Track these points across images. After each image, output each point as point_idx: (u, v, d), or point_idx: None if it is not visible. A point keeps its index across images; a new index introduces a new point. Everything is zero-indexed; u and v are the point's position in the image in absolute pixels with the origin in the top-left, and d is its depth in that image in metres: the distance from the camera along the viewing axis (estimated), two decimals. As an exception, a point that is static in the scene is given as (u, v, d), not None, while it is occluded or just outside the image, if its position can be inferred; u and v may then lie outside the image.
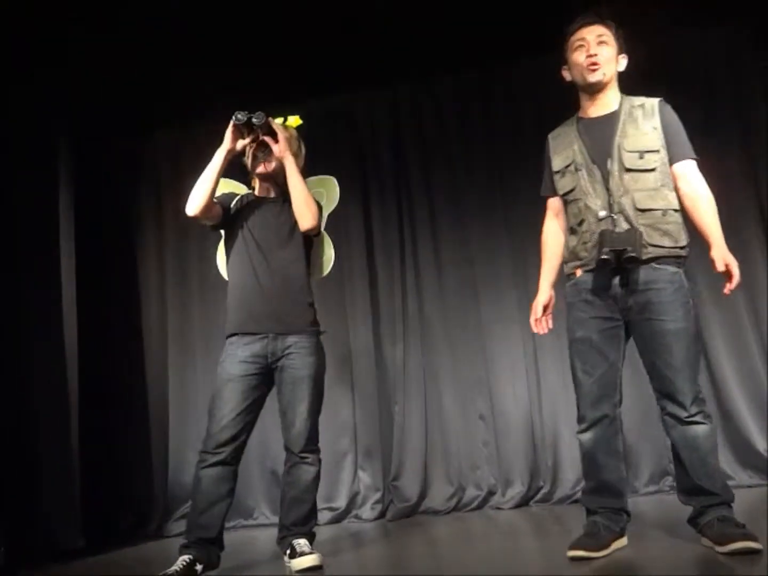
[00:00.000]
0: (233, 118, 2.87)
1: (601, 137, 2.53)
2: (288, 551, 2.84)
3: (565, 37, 2.64)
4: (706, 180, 4.06)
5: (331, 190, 3.39)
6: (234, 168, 3.15)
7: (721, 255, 2.43)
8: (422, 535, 3.62)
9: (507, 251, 4.37)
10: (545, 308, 2.73)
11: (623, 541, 2.51)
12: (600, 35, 2.57)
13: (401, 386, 4.37)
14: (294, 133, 3.11)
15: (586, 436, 2.53)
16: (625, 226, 2.44)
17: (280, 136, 2.94)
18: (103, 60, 4.11)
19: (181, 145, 4.85)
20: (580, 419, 2.56)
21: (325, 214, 3.28)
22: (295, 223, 2.98)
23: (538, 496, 4.11)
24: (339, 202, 4.26)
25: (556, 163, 2.65)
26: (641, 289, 2.45)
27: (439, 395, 4.35)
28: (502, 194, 4.39)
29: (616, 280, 2.47)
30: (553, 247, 2.74)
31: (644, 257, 2.43)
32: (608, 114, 2.58)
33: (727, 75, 4.24)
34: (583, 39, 2.58)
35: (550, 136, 2.74)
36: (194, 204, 2.88)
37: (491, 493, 4.17)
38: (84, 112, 4.48)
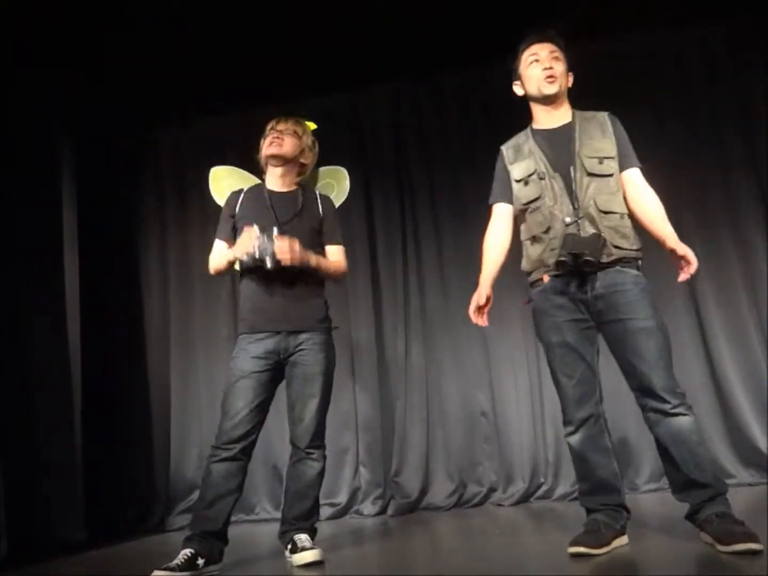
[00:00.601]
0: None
1: (560, 147, 2.63)
2: (289, 546, 2.85)
3: (517, 53, 2.76)
4: (709, 176, 4.11)
5: (341, 181, 3.39)
6: (245, 163, 3.16)
7: (680, 243, 2.51)
8: (423, 531, 3.63)
9: (509, 247, 4.35)
10: (487, 301, 2.75)
11: (624, 539, 2.52)
12: (552, 51, 2.69)
13: (403, 382, 4.38)
14: (309, 129, 3.13)
15: (575, 438, 2.58)
16: (590, 230, 2.52)
17: (294, 254, 2.84)
18: (103, 59, 4.12)
19: (183, 143, 4.85)
20: (567, 422, 2.61)
21: (337, 206, 3.26)
22: (309, 221, 3.00)
23: (539, 492, 4.12)
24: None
25: (517, 172, 2.70)
26: (609, 292, 2.51)
27: (441, 391, 4.36)
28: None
29: (583, 284, 2.54)
30: (497, 248, 2.82)
31: (608, 260, 2.51)
32: (564, 125, 2.68)
33: (729, 72, 4.23)
34: (536, 54, 2.70)
35: (503, 147, 2.81)
36: (214, 273, 3.06)
37: (492, 490, 4.18)
38: (85, 112, 4.48)
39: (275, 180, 3.07)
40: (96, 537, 4.03)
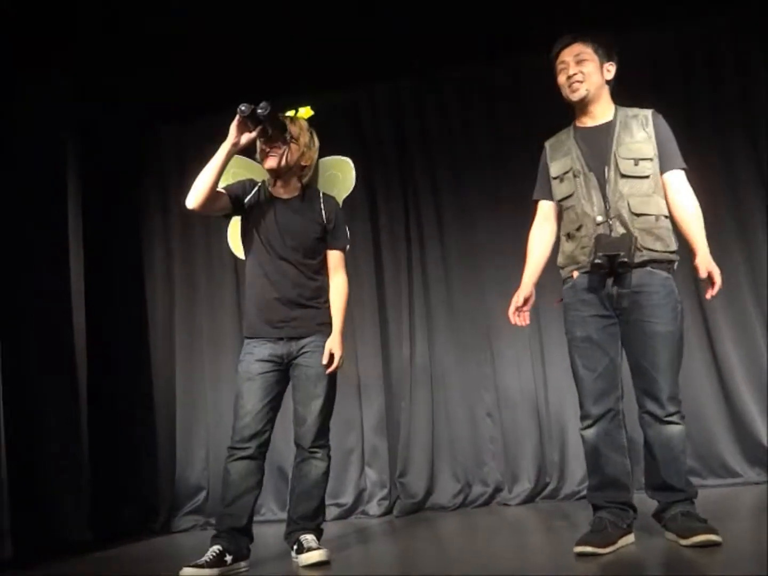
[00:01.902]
0: (238, 110, 2.77)
1: (597, 146, 2.63)
2: (295, 546, 2.86)
3: (551, 62, 2.76)
4: (712, 175, 4.10)
5: (347, 172, 3.31)
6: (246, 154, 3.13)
7: (706, 263, 2.55)
8: (429, 531, 3.62)
9: (513, 246, 4.33)
10: (525, 301, 2.80)
11: (630, 538, 2.53)
12: (578, 54, 2.67)
13: (408, 382, 4.38)
14: (305, 125, 3.03)
15: (590, 432, 2.59)
16: (620, 230, 2.54)
17: (336, 361, 2.93)
18: (107, 57, 4.13)
19: (186, 140, 4.85)
20: (584, 416, 2.61)
21: (342, 198, 3.20)
22: (313, 232, 2.97)
23: (545, 492, 4.11)
24: (344, 199, 4.26)
25: (555, 170, 2.73)
26: (635, 291, 2.53)
27: (446, 392, 4.35)
28: (508, 188, 4.37)
29: (611, 282, 2.55)
30: (540, 247, 2.85)
31: (638, 260, 2.52)
32: (604, 123, 2.67)
33: (732, 65, 4.20)
34: (563, 61, 2.69)
35: (547, 143, 2.82)
36: (194, 197, 2.80)
37: (498, 490, 4.17)
38: (89, 109, 4.49)
39: (277, 188, 3.03)
40: (101, 538, 4.04)
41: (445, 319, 4.42)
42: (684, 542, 2.34)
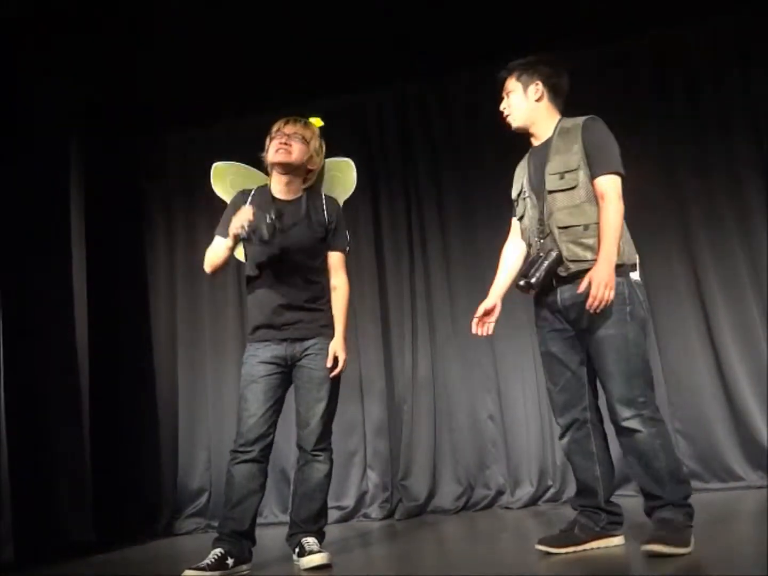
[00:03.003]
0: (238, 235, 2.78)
1: (538, 166, 2.68)
2: (297, 549, 2.86)
3: None
4: (716, 173, 4.09)
5: (348, 173, 3.28)
6: (250, 161, 3.14)
7: (590, 274, 2.42)
8: (431, 534, 3.63)
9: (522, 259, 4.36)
10: (487, 313, 2.79)
11: (611, 540, 2.59)
12: (506, 88, 2.77)
13: (410, 385, 4.38)
14: (317, 131, 3.05)
15: (563, 442, 2.69)
16: (549, 247, 2.56)
17: (340, 364, 2.95)
18: (112, 62, 4.14)
19: (191, 146, 4.86)
20: (559, 426, 2.70)
21: (343, 200, 3.20)
22: (315, 233, 2.97)
23: (547, 495, 4.11)
24: (348, 204, 4.27)
25: (512, 192, 2.82)
26: (576, 302, 2.51)
27: (448, 395, 4.35)
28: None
29: (554, 296, 2.58)
30: (507, 260, 2.86)
31: (566, 274, 2.53)
32: (543, 143, 2.71)
33: (737, 65, 4.20)
34: (502, 97, 2.79)
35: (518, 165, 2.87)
36: (210, 269, 3.01)
37: (500, 493, 4.17)
38: (93, 114, 4.51)
39: (281, 187, 3.02)
40: (104, 539, 4.04)
41: (447, 322, 4.42)
42: (642, 547, 2.31)
